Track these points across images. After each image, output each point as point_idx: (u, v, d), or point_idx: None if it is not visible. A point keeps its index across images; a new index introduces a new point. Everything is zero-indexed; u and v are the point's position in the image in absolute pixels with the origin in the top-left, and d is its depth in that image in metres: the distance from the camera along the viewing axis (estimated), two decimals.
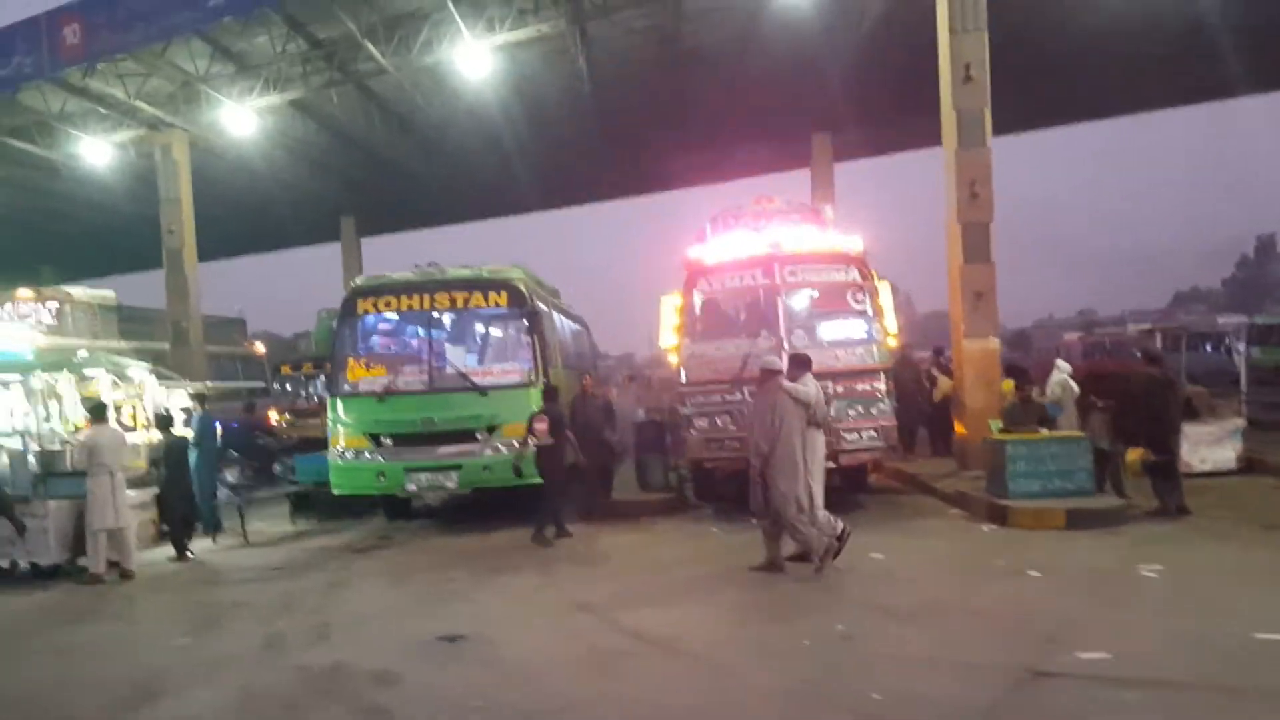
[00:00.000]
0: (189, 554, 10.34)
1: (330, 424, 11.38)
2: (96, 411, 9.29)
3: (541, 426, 10.05)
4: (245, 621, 7.30)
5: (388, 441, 11.03)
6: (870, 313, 10.43)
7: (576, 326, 16.29)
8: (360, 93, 17.99)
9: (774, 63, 17.32)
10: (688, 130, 20.10)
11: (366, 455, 11.06)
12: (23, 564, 9.66)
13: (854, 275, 10.51)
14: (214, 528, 11.33)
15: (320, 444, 11.79)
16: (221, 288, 18.72)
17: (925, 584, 7.25)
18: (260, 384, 20.86)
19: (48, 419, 9.42)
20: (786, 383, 7.84)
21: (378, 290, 11.48)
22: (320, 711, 5.14)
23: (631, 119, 19.60)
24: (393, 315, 11.56)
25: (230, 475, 12.56)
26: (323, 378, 26.36)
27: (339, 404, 11.30)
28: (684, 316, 10.76)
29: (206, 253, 27.40)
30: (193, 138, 18.09)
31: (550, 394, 10.53)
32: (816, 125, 21.10)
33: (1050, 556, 7.81)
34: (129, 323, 18.99)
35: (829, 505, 7.93)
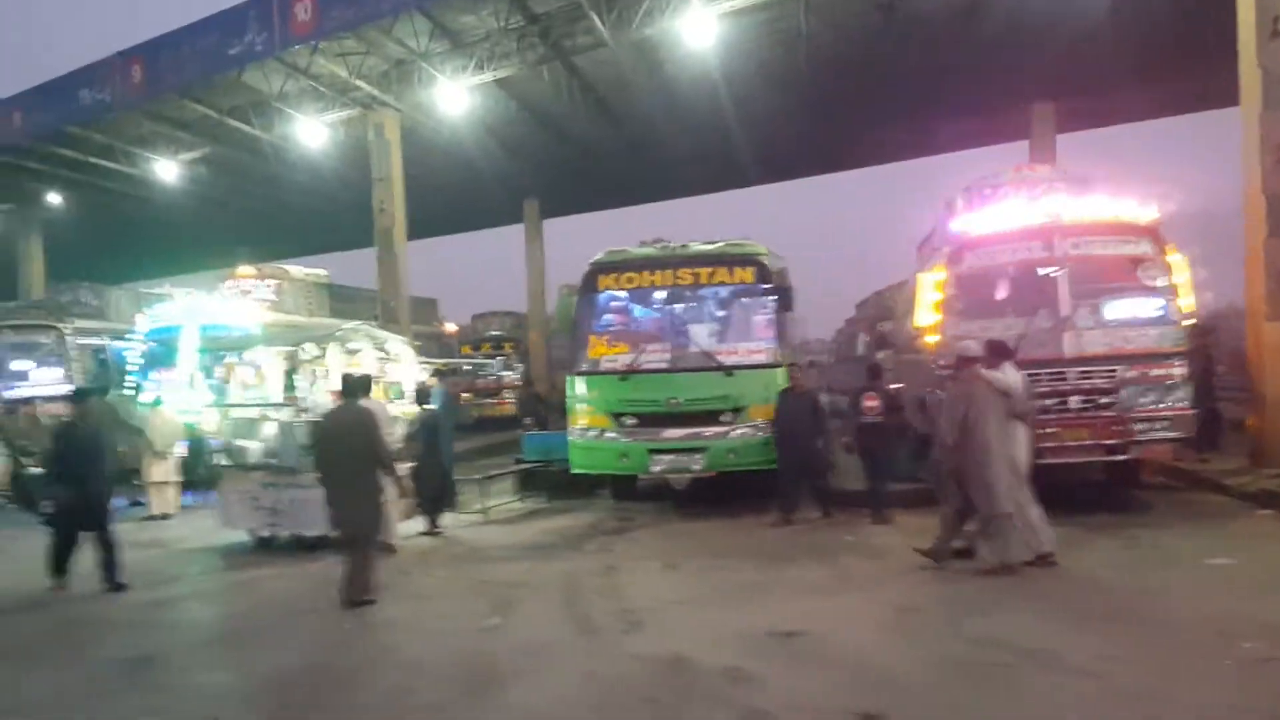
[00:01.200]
0: (439, 528, 10.31)
1: (570, 402, 11.15)
2: (362, 385, 9.25)
3: (872, 404, 10.00)
4: (539, 603, 7.04)
5: (630, 421, 10.71)
6: (1166, 290, 9.38)
7: None
8: (564, 71, 17.79)
9: (999, 28, 16.15)
10: (899, 102, 19.01)
11: (609, 435, 10.78)
12: (283, 535, 9.84)
13: (1147, 248, 9.46)
14: (453, 503, 11.31)
15: (500, 423, 11.61)
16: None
17: None
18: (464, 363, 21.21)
19: (314, 390, 9.47)
20: (985, 371, 7.44)
21: (619, 266, 11.15)
22: (693, 709, 4.73)
23: (843, 91, 18.69)
24: (635, 291, 11.21)
25: None
26: (500, 359, 27.21)
27: (580, 382, 11.05)
28: (947, 293, 9.96)
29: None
30: (402, 117, 18.33)
31: (875, 371, 10.69)
32: (1038, 94, 19.65)
33: None
34: (338, 301, 19.49)
35: (1097, 502, 7.16)
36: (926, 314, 10.19)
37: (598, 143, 22.49)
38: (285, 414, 9.54)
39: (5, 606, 7.77)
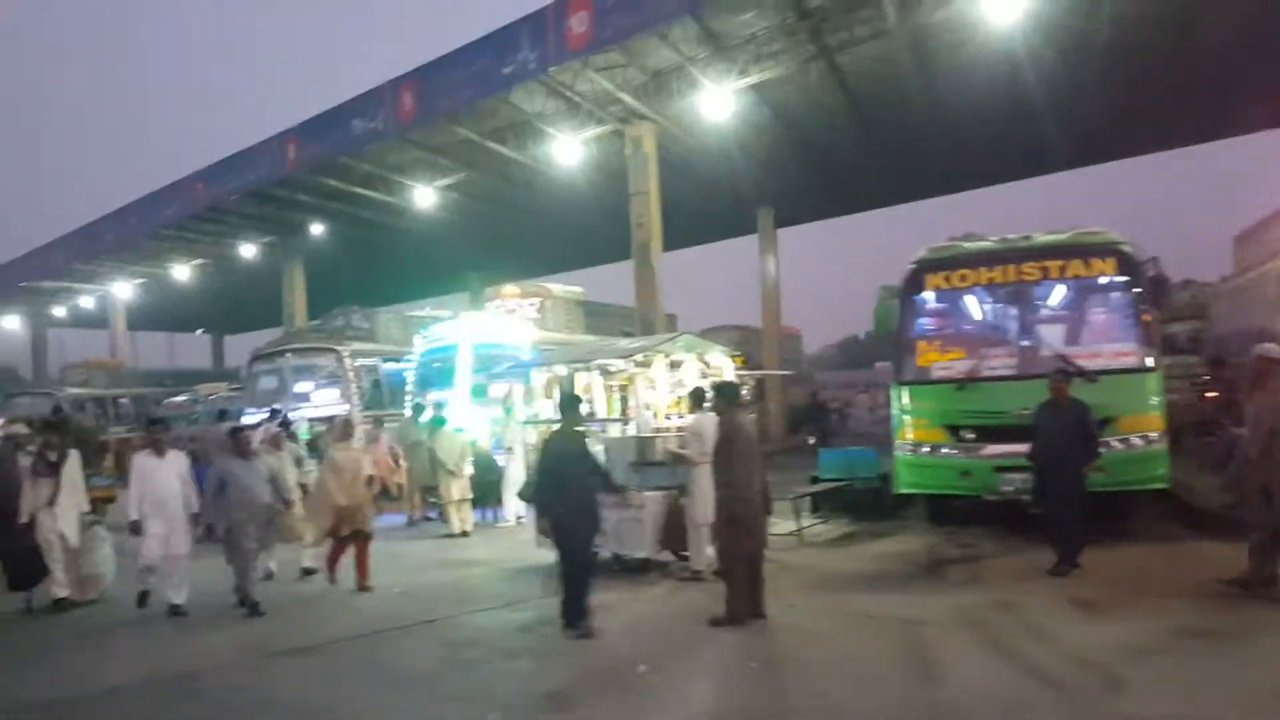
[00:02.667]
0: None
1: (896, 415, 10.19)
2: (696, 397, 8.67)
3: None
4: (961, 647, 6.08)
5: (970, 435, 9.63)
6: None
7: None
8: (825, 71, 16.88)
9: None
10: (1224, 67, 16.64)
11: (945, 451, 9.73)
12: (603, 554, 9.36)
13: None
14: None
15: None
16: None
17: None
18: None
19: (646, 406, 8.99)
20: None
21: (950, 262, 10.10)
22: None
23: (1151, 56, 16.49)
24: (969, 290, 10.12)
25: None
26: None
27: (907, 392, 10.08)
28: None
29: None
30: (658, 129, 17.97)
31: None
32: None
33: None
34: (593, 317, 19.38)
35: None
36: None
37: (843, 145, 21.41)
38: (613, 430, 9.11)
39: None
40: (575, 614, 6.88)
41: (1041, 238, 9.92)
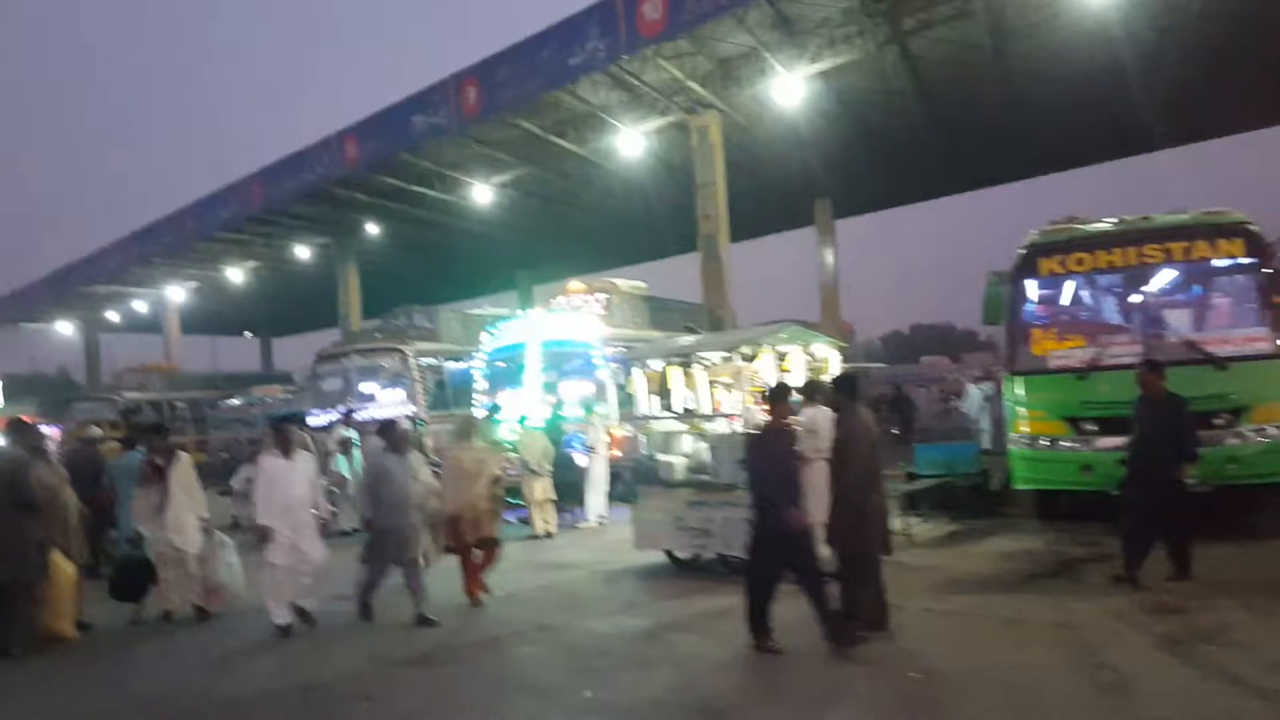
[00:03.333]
0: None
1: (1009, 406, 9.74)
2: (809, 390, 8.30)
3: None
4: (1140, 657, 5.64)
5: (1092, 427, 9.16)
6: None
7: None
8: (897, 55, 16.42)
9: None
10: None
11: (1064, 444, 9.26)
12: (707, 556, 9.04)
13: None
14: None
15: None
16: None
17: None
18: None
19: (751, 401, 8.64)
20: None
21: (1065, 245, 9.62)
22: None
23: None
24: (1088, 274, 9.64)
25: None
26: None
27: (1021, 383, 9.62)
28: None
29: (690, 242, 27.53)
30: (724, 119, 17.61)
31: None
32: None
33: None
34: (657, 312, 18.99)
35: None
36: None
37: (908, 132, 20.93)
38: (719, 426, 8.75)
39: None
40: (840, 632, 6.10)
41: (1162, 218, 9.43)
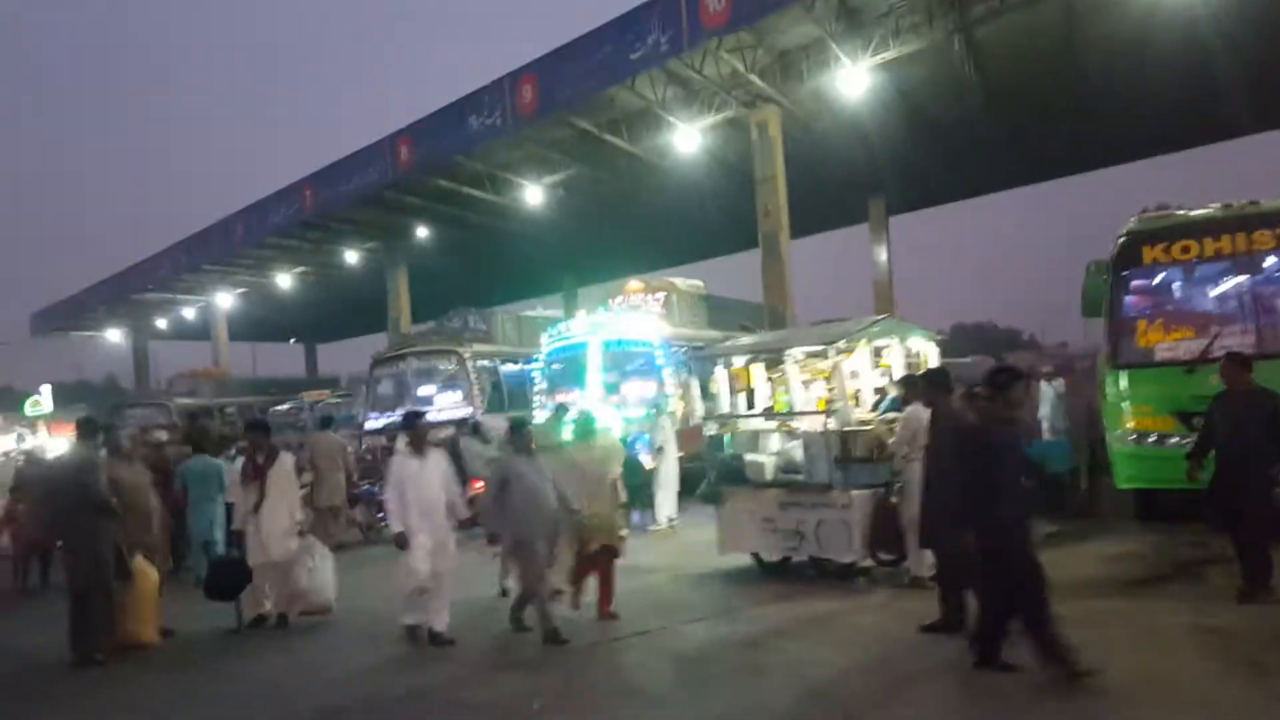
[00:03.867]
0: None
1: (1112, 401, 9.30)
2: (910, 385, 7.93)
3: None
4: None
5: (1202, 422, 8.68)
6: None
7: None
8: (961, 46, 15.97)
9: None
10: None
11: (1174, 441, 8.78)
12: (798, 559, 8.70)
13: None
14: None
15: None
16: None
17: None
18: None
19: (852, 397, 8.27)
20: None
21: (1169, 233, 9.14)
22: None
23: None
24: (1193, 262, 9.17)
25: None
26: None
27: (1125, 377, 9.16)
28: None
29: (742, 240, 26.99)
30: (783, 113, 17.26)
31: None
32: None
33: None
34: (714, 311, 18.69)
35: None
36: None
37: (967, 125, 20.36)
38: (812, 424, 8.38)
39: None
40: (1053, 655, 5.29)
41: (1271, 203, 8.94)
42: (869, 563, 8.30)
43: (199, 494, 10.15)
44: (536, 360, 16.36)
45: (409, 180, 21.40)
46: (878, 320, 8.47)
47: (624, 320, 15.83)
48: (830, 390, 8.47)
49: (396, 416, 17.53)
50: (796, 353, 9.19)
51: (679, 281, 17.79)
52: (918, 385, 7.84)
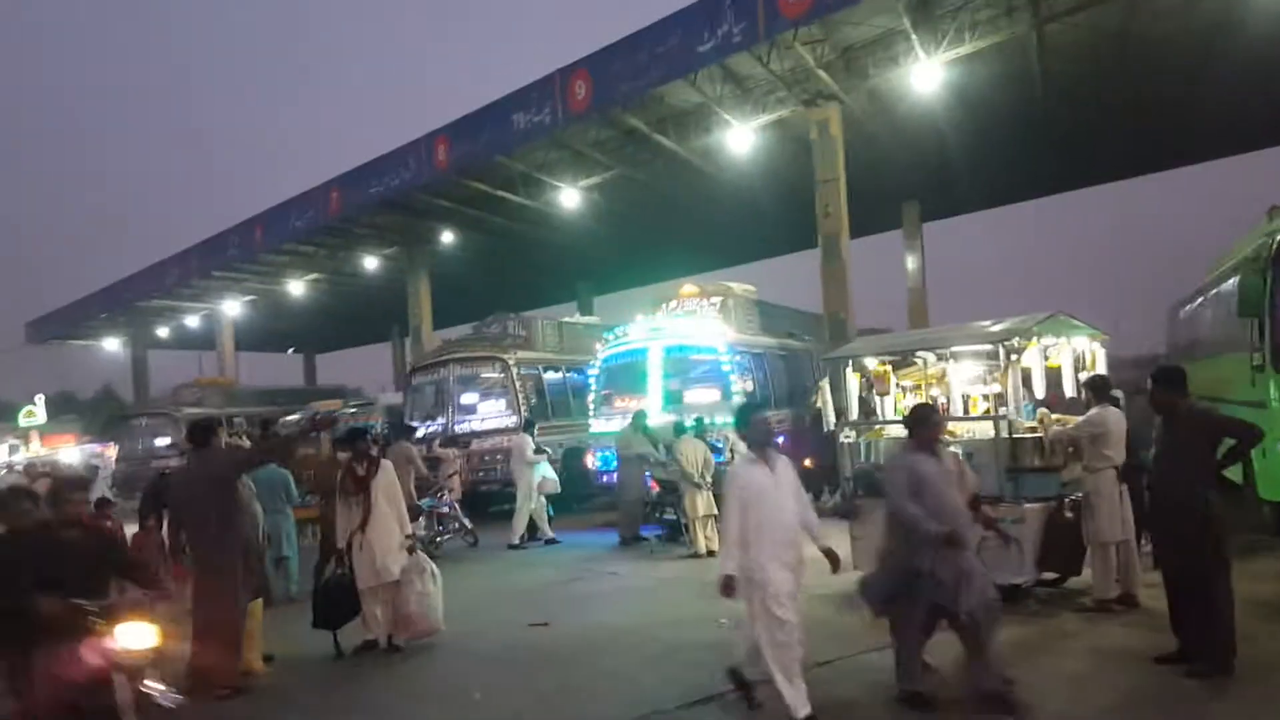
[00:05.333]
0: None
1: (1274, 408, 8.66)
2: (1095, 387, 7.27)
3: None
4: None
5: None
6: None
7: None
8: (1031, 43, 15.43)
9: None
10: None
11: None
12: None
13: None
14: None
15: None
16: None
17: None
18: None
19: (1025, 399, 7.59)
20: None
21: None
22: None
23: None
24: None
25: None
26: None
27: None
28: None
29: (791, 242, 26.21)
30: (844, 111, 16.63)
31: None
32: None
33: None
34: (766, 317, 18.03)
35: None
36: None
37: (1020, 125, 19.78)
38: (984, 430, 7.69)
39: None
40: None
41: None
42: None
43: (269, 505, 9.36)
44: (593, 366, 15.66)
45: (440, 182, 20.63)
46: (1048, 317, 7.76)
47: (686, 324, 15.14)
48: (998, 393, 7.78)
49: (437, 425, 16.87)
50: (933, 354, 8.56)
51: (734, 285, 17.11)
52: (1100, 387, 7.25)
